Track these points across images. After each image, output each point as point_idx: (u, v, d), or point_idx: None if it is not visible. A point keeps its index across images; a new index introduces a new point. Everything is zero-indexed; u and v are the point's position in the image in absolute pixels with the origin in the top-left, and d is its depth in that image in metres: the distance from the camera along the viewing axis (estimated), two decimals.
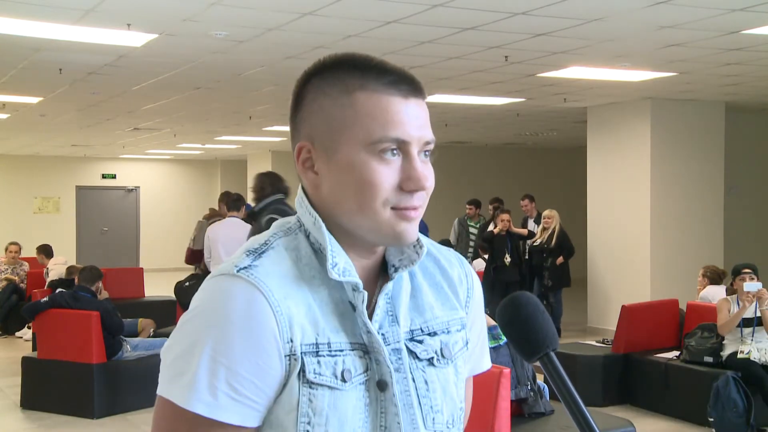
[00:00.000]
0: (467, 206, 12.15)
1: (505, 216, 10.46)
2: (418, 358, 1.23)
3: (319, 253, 1.18)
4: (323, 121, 1.18)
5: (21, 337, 11.17)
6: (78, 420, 7.00)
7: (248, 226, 8.37)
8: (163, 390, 1.13)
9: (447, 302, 1.30)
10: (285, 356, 1.11)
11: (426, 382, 1.23)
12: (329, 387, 1.12)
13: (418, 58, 7.75)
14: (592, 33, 6.83)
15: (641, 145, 10.78)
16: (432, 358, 1.25)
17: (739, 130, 12.06)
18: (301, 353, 1.11)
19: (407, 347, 1.22)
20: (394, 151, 1.15)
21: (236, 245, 7.89)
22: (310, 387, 1.12)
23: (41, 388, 7.31)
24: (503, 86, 9.66)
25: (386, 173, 1.15)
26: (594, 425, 1.09)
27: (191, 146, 18.39)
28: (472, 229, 11.95)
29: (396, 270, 1.24)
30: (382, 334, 1.20)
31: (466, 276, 1.35)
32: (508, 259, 10.24)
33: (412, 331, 1.24)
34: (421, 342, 1.24)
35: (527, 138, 16.69)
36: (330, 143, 1.17)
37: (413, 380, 1.21)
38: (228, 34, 6.86)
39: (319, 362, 1.12)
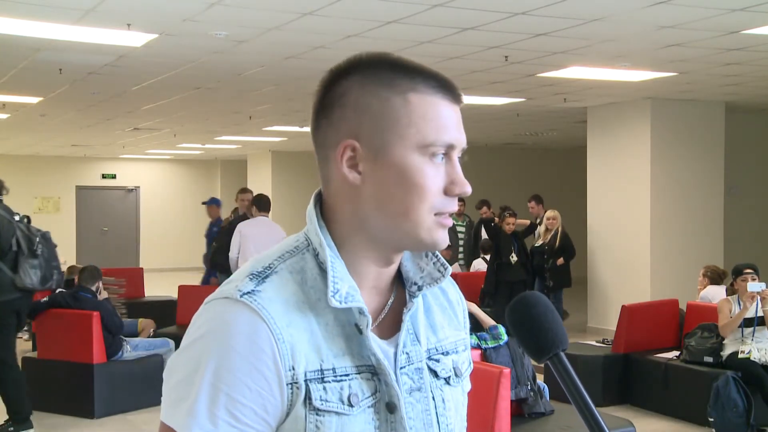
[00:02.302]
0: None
1: (512, 219, 10.45)
2: (437, 376, 1.24)
3: (326, 273, 1.17)
4: (372, 120, 1.16)
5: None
6: (78, 420, 7.00)
7: (277, 226, 8.68)
8: (164, 415, 1.12)
9: (452, 323, 1.32)
10: (287, 384, 1.10)
11: (443, 401, 1.24)
12: (336, 413, 1.12)
13: (418, 58, 7.71)
14: (592, 33, 6.83)
15: (641, 145, 10.78)
16: (449, 377, 1.26)
17: (739, 130, 12.06)
18: (305, 380, 1.11)
19: (427, 365, 1.23)
20: (442, 156, 1.16)
21: (269, 243, 8.25)
22: (317, 414, 1.11)
23: (41, 388, 7.31)
24: (503, 86, 9.66)
25: (435, 177, 1.16)
26: (604, 426, 1.09)
27: (191, 146, 18.39)
28: (459, 228, 11.87)
29: (420, 288, 1.24)
30: (407, 353, 1.20)
31: (461, 298, 1.37)
32: (514, 258, 10.22)
33: (429, 350, 1.25)
34: (438, 361, 1.26)
35: (527, 138, 16.70)
36: (380, 143, 1.15)
37: (433, 399, 1.22)
38: (228, 34, 6.86)
39: (325, 388, 1.11)
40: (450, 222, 1.18)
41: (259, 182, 19.26)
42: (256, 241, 8.28)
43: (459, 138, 1.18)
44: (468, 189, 1.17)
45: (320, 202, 1.22)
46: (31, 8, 5.99)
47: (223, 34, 6.85)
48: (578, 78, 9.01)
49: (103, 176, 21.79)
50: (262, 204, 8.88)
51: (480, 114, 12.38)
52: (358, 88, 1.17)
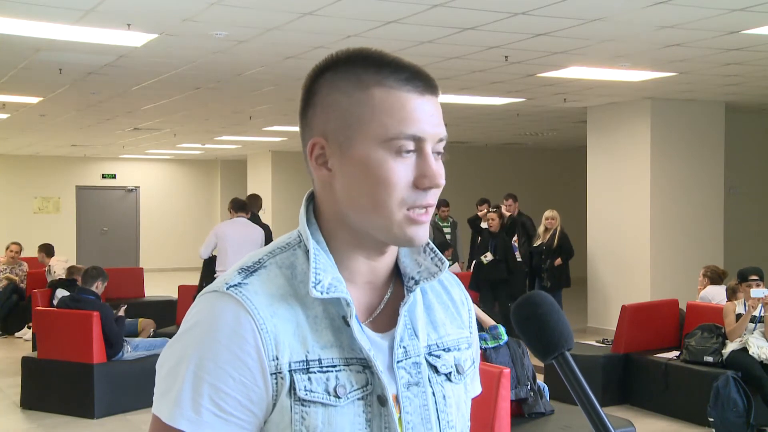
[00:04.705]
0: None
1: (492, 215, 10.49)
2: (437, 372, 1.24)
3: None
4: (338, 117, 1.17)
5: (21, 337, 11.18)
6: (78, 420, 7.00)
7: (255, 226, 8.64)
8: (153, 407, 1.14)
9: (455, 321, 1.31)
10: (271, 374, 1.10)
11: (444, 397, 1.23)
12: (322, 404, 1.12)
13: (418, 58, 7.74)
14: (592, 33, 6.83)
15: (641, 145, 10.78)
16: (450, 373, 1.25)
17: (739, 130, 12.06)
18: (290, 371, 1.11)
19: (427, 361, 1.23)
20: (410, 148, 1.15)
21: (246, 243, 8.18)
22: (302, 404, 1.11)
23: (41, 388, 7.31)
24: (503, 86, 9.66)
25: (401, 171, 1.14)
26: (609, 426, 1.09)
27: (191, 146, 18.39)
28: (445, 230, 11.86)
29: (417, 283, 1.24)
30: (404, 347, 1.20)
31: (466, 298, 1.36)
32: (488, 257, 10.21)
33: (429, 345, 1.24)
34: (438, 357, 1.25)
35: (527, 138, 16.70)
36: (344, 139, 1.16)
37: (433, 394, 1.22)
38: (228, 34, 6.86)
39: (309, 379, 1.12)
40: (425, 219, 1.16)
41: (259, 182, 19.26)
42: (232, 241, 8.27)
43: (428, 130, 1.15)
44: (439, 181, 1.15)
45: (314, 200, 1.24)
46: (31, 8, 5.99)
47: (223, 34, 6.85)
48: (578, 78, 9.01)
49: (103, 176, 21.79)
50: (237, 206, 8.85)
51: (480, 114, 12.38)
52: (327, 87, 1.18)
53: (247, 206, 8.93)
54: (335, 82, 1.18)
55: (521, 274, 10.56)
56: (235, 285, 1.13)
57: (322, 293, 1.14)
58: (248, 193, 12.21)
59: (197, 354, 1.10)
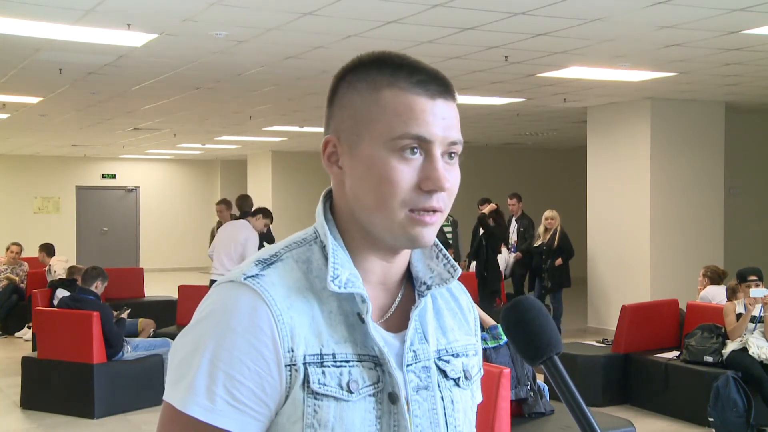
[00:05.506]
0: None
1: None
2: (447, 376, 1.25)
3: None
4: (350, 116, 1.19)
5: (21, 337, 11.18)
6: (78, 420, 7.00)
7: (248, 227, 8.76)
8: (165, 394, 1.14)
9: (462, 327, 1.33)
10: (285, 366, 1.11)
11: (452, 402, 1.24)
12: (335, 398, 1.12)
13: (418, 58, 7.74)
14: (592, 33, 6.83)
15: (641, 145, 10.78)
16: (458, 378, 1.26)
17: (739, 130, 12.06)
18: (304, 363, 1.12)
19: (437, 365, 1.24)
20: (415, 150, 1.15)
21: (231, 245, 8.60)
22: (315, 398, 1.12)
23: (41, 388, 7.31)
24: (503, 86, 9.66)
25: (405, 171, 1.15)
26: (597, 429, 1.09)
27: (191, 146, 18.39)
28: (446, 229, 11.91)
29: (428, 288, 1.25)
30: (414, 351, 1.21)
31: (472, 306, 1.38)
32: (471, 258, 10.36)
33: (438, 350, 1.26)
34: (447, 362, 1.26)
35: (527, 138, 16.70)
36: (354, 138, 1.18)
37: (442, 398, 1.23)
38: (228, 34, 6.86)
39: (323, 372, 1.12)
40: (429, 220, 1.16)
41: (259, 182, 19.26)
42: (219, 241, 8.75)
43: (435, 132, 1.15)
44: (444, 184, 1.15)
45: (331, 198, 1.26)
46: (31, 8, 5.99)
47: (223, 34, 6.85)
48: (578, 78, 9.01)
49: (103, 176, 21.78)
50: (238, 205, 9.52)
51: (480, 114, 12.38)
52: (346, 87, 1.20)
53: (243, 206, 9.34)
54: (353, 83, 1.20)
55: (496, 273, 10.54)
56: (253, 276, 1.14)
57: (339, 287, 1.15)
58: (247, 193, 12.44)
59: (213, 342, 1.10)
